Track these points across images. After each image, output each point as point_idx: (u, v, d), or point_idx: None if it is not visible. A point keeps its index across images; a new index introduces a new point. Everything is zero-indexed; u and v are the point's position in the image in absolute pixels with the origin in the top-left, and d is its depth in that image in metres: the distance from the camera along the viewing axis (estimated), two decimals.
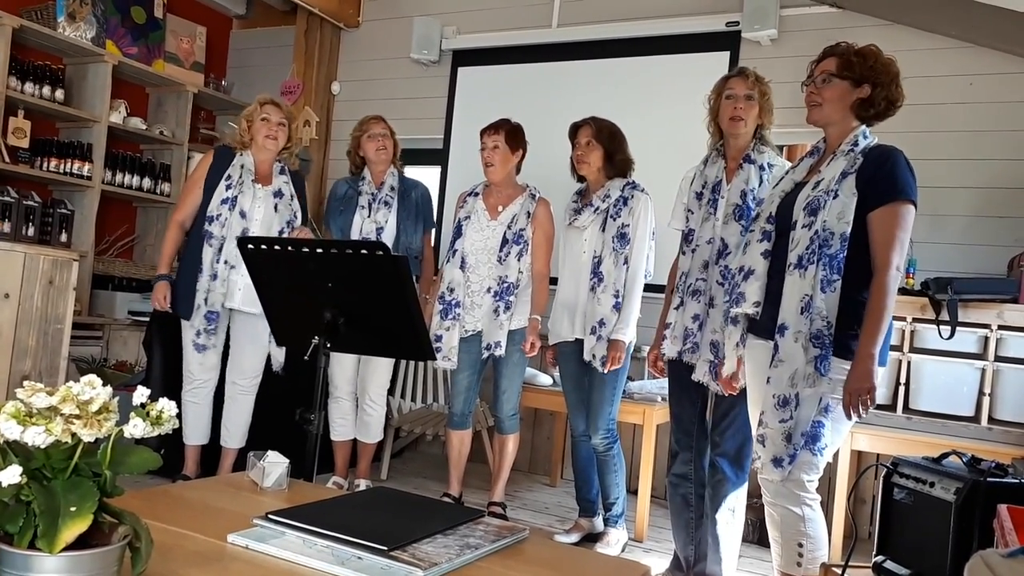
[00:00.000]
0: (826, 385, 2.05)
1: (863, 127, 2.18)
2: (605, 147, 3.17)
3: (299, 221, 3.43)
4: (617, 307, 3.09)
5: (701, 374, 2.64)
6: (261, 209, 3.36)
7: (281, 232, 3.35)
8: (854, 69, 2.15)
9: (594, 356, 3.09)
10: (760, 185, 2.63)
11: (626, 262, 3.11)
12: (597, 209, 3.17)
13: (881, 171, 2.07)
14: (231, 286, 3.31)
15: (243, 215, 3.33)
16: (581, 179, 3.31)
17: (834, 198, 2.08)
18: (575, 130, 3.26)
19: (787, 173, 2.36)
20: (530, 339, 3.31)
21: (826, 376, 2.04)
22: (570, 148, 3.28)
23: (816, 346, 2.05)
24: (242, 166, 3.38)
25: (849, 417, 2.01)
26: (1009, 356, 3.14)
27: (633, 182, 3.21)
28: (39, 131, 4.49)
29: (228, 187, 3.33)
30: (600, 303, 3.10)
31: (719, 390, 2.59)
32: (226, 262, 3.29)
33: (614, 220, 3.14)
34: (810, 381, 2.05)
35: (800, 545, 2.10)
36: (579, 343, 3.19)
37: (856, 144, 2.15)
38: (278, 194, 3.40)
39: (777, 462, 2.08)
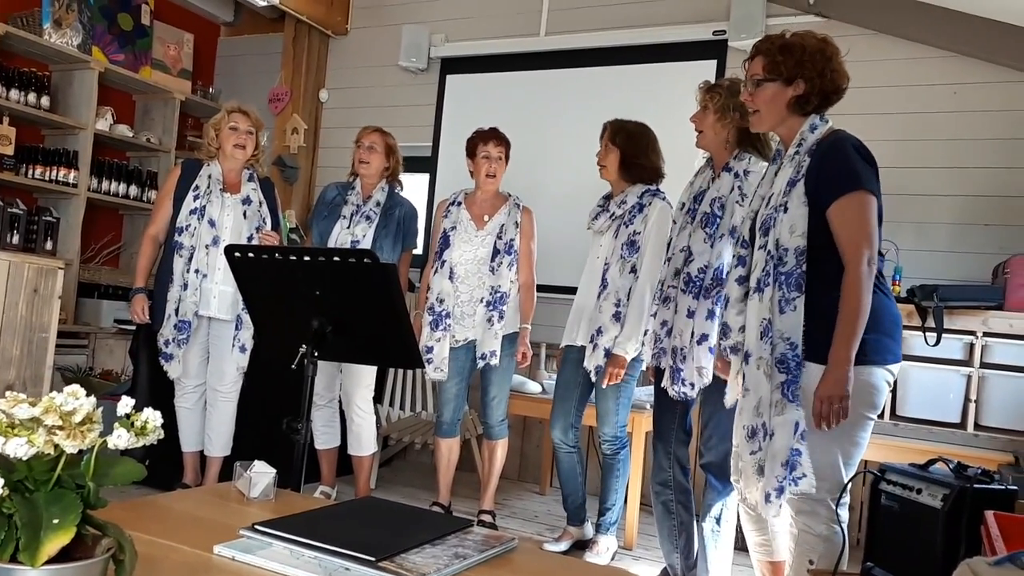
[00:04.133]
0: (799, 412, 1.92)
1: (811, 119, 2.03)
2: (621, 149, 3.09)
3: (268, 226, 3.42)
4: (616, 316, 3.02)
5: (665, 379, 2.64)
6: (231, 216, 3.37)
7: (250, 238, 3.35)
8: (781, 69, 2.02)
9: (592, 367, 3.05)
10: (731, 192, 2.61)
11: (633, 271, 3.04)
12: (613, 215, 3.11)
13: (829, 164, 1.93)
14: (205, 294, 3.32)
15: (212, 224, 3.33)
16: None
17: (784, 212, 1.95)
18: (603, 131, 3.18)
19: (757, 189, 2.24)
20: (522, 348, 3.31)
21: (796, 402, 1.91)
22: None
23: (781, 371, 1.92)
24: (210, 176, 3.39)
25: (819, 426, 1.88)
26: (994, 363, 3.16)
27: (654, 189, 3.11)
28: (24, 138, 4.46)
29: (196, 197, 3.34)
30: (601, 311, 3.05)
31: (677, 395, 2.60)
32: (197, 271, 3.30)
33: (627, 227, 3.07)
34: (778, 409, 1.93)
35: (811, 562, 2.03)
36: (582, 349, 3.15)
37: (801, 144, 2.00)
38: (247, 201, 3.40)
39: (767, 497, 1.97)
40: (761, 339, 1.96)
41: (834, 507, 1.96)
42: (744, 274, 2.13)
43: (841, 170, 1.92)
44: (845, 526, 2.00)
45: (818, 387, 1.88)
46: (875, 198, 1.93)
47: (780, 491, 1.93)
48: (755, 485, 2.01)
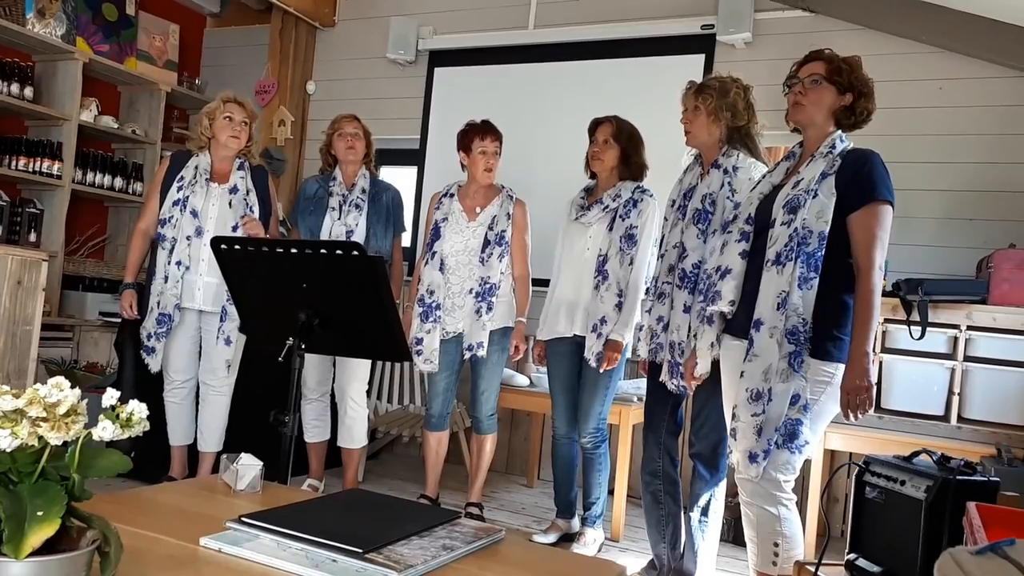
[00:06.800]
0: (801, 382, 2.07)
1: (839, 132, 2.23)
2: (623, 147, 3.14)
3: (256, 214, 3.38)
4: (619, 306, 3.06)
5: (664, 374, 2.66)
6: (215, 206, 3.33)
7: (235, 227, 3.32)
8: (843, 76, 2.21)
9: (594, 355, 3.07)
10: (721, 188, 2.64)
11: (631, 263, 3.08)
12: (606, 208, 3.13)
13: (859, 174, 2.11)
14: (188, 286, 3.30)
15: (194, 214, 3.30)
16: (594, 175, 3.26)
17: (814, 197, 2.11)
18: (595, 126, 3.21)
19: (765, 176, 2.38)
20: (515, 342, 3.31)
21: (799, 372, 2.06)
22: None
23: (791, 342, 2.07)
24: (196, 167, 3.35)
25: (848, 417, 2.02)
26: (978, 356, 3.19)
27: (643, 187, 3.16)
28: (7, 129, 4.41)
29: (179, 189, 3.32)
30: (603, 301, 3.07)
31: (676, 388, 2.63)
32: (179, 263, 3.27)
33: (623, 220, 3.10)
34: (783, 376, 2.07)
35: (776, 544, 2.12)
36: (576, 341, 3.16)
37: (834, 147, 2.19)
38: (233, 190, 3.37)
39: (752, 457, 2.09)
40: (777, 309, 2.10)
41: (785, 486, 2.12)
42: (746, 249, 2.26)
43: (871, 180, 2.10)
44: (794, 503, 2.15)
45: (844, 381, 2.03)
46: (892, 211, 2.12)
47: (767, 453, 2.08)
48: (749, 444, 2.11)
